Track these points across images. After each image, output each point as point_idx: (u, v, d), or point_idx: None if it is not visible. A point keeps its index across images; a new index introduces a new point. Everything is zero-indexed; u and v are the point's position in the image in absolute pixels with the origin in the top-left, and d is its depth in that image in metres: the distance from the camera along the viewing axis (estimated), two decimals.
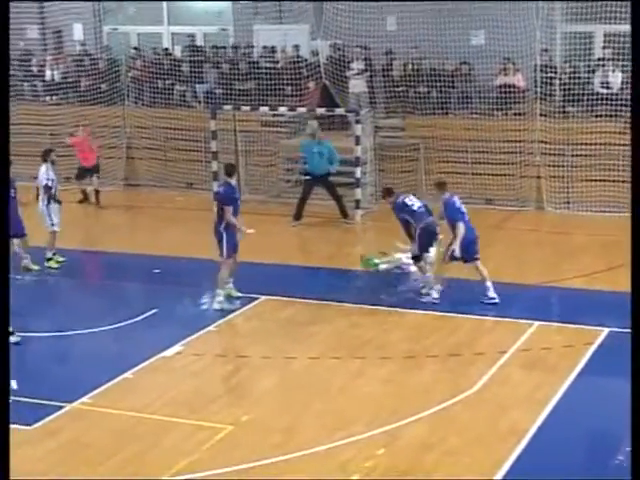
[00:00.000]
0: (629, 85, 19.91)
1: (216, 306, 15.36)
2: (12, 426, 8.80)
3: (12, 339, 13.28)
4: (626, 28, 18.99)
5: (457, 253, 14.86)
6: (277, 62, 24.73)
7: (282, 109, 23.05)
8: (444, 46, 22.57)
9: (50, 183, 17.35)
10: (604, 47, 21.84)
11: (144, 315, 14.99)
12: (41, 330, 13.85)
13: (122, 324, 14.61)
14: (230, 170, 15.61)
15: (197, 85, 24.99)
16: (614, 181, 20.97)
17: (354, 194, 21.59)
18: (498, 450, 10.50)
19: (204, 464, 10.27)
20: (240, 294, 15.72)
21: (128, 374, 12.64)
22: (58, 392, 12.15)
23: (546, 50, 22.13)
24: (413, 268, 16.32)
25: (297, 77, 23.80)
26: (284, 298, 15.84)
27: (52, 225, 17.31)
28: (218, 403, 12.00)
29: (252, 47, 25.36)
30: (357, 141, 21.50)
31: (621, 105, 20.94)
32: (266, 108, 23.09)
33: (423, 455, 10.47)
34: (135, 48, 26.52)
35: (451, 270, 16.28)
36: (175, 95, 25.05)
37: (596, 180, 21.23)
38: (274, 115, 23.85)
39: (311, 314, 15.20)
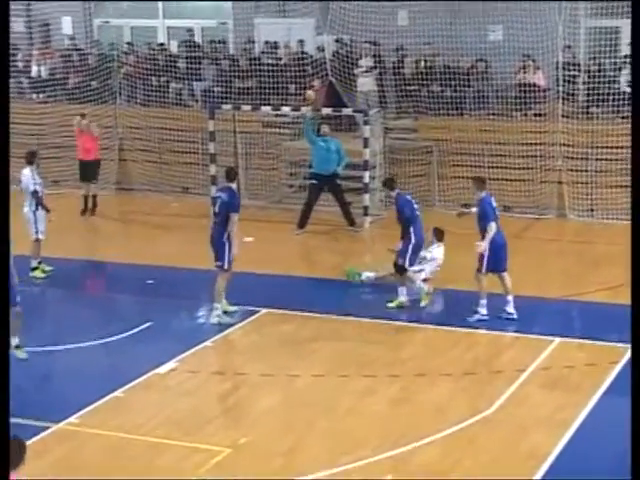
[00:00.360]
0: None
1: (213, 320, 15.35)
2: None
3: (20, 354, 13.30)
4: None
5: (481, 249, 14.88)
6: (280, 58, 24.77)
7: (285, 109, 23.06)
8: (459, 42, 22.60)
9: (37, 188, 17.37)
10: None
11: (136, 329, 14.98)
12: (25, 345, 13.82)
13: (113, 338, 14.60)
14: (232, 174, 15.65)
15: (194, 83, 25.04)
16: None
17: (362, 200, 21.59)
18: (517, 475, 10.46)
19: None
20: (235, 308, 15.70)
21: (119, 392, 12.63)
22: (44, 411, 12.13)
23: (569, 46, 22.14)
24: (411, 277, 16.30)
25: (301, 75, 23.82)
26: (286, 311, 15.82)
27: (37, 233, 17.32)
28: (215, 424, 11.98)
29: (253, 42, 25.39)
30: (365, 143, 21.50)
31: None
32: (268, 108, 23.11)
33: None
34: (128, 43, 26.58)
35: (464, 281, 16.29)
36: (171, 93, 25.08)
37: (622, 186, 21.19)
38: (276, 115, 23.88)
39: (315, 328, 15.18)
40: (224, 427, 11.95)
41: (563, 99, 21.86)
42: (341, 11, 23.03)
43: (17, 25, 27.17)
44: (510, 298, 15.27)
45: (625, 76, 21.59)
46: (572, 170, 21.81)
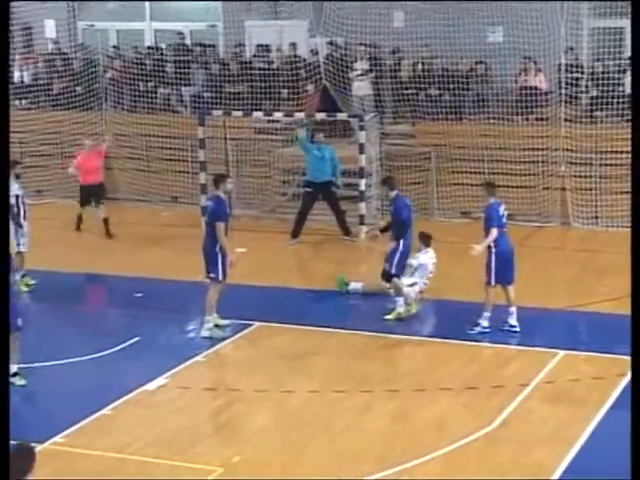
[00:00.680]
0: None
1: (205, 334, 15.37)
2: None
3: (18, 382, 13.26)
4: None
5: (477, 252, 14.93)
6: (272, 62, 24.83)
7: (278, 114, 23.11)
8: (458, 44, 22.67)
9: (14, 200, 17.40)
10: None
11: (124, 344, 14.98)
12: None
13: (100, 354, 14.60)
14: (219, 182, 15.65)
15: (183, 88, 25.07)
16: None
17: (358, 208, 21.62)
18: None
19: None
20: (227, 321, 15.72)
21: (106, 410, 12.63)
22: (27, 431, 12.09)
23: (572, 48, 22.21)
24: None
25: (294, 79, 23.87)
26: (280, 324, 15.85)
27: (18, 245, 17.32)
28: (206, 442, 11.98)
29: (244, 45, 25.45)
30: (361, 149, 21.55)
31: None
32: (260, 113, 23.15)
33: None
34: (114, 46, 26.61)
35: (464, 292, 16.34)
36: (159, 99, 25.12)
37: (627, 192, 21.20)
38: (269, 121, 23.92)
39: (310, 342, 15.20)
40: (216, 445, 11.95)
41: (566, 102, 21.93)
42: (335, 12, 23.09)
43: None
44: (513, 310, 15.32)
45: (630, 78, 21.66)
46: (576, 176, 21.87)
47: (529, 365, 14.11)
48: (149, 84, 25.05)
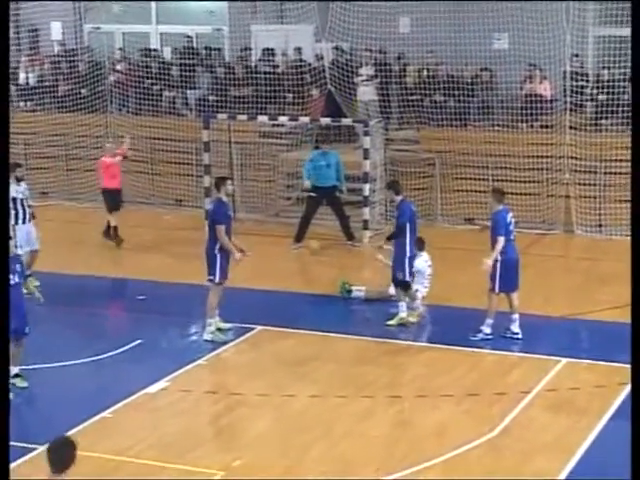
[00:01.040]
0: None
1: (207, 337, 15.36)
2: None
3: (20, 383, 13.28)
4: None
5: (488, 266, 14.91)
6: (277, 66, 24.83)
7: (282, 119, 23.12)
8: (463, 50, 22.68)
9: (10, 203, 17.42)
10: None
11: (126, 347, 14.98)
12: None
13: (101, 357, 14.60)
14: (220, 185, 15.66)
15: (188, 91, 25.09)
16: None
17: (362, 214, 21.62)
18: None
19: None
20: (229, 325, 15.71)
21: (107, 413, 12.62)
22: (28, 433, 12.11)
23: (577, 55, 22.21)
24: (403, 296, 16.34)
25: (299, 83, 23.88)
26: (283, 329, 15.84)
27: (15, 247, 17.27)
28: (207, 446, 11.97)
29: (250, 49, 25.45)
30: (366, 155, 21.54)
31: None
32: (265, 117, 23.16)
33: None
34: (120, 49, 26.62)
35: (467, 299, 16.32)
36: (164, 102, 25.13)
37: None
38: (273, 125, 23.93)
39: (313, 347, 15.19)
40: (217, 449, 11.95)
41: (571, 110, 21.93)
42: (341, 17, 23.09)
43: None
44: (516, 317, 15.30)
45: None
46: (580, 184, 21.86)
47: (531, 372, 14.09)
48: (154, 87, 25.06)
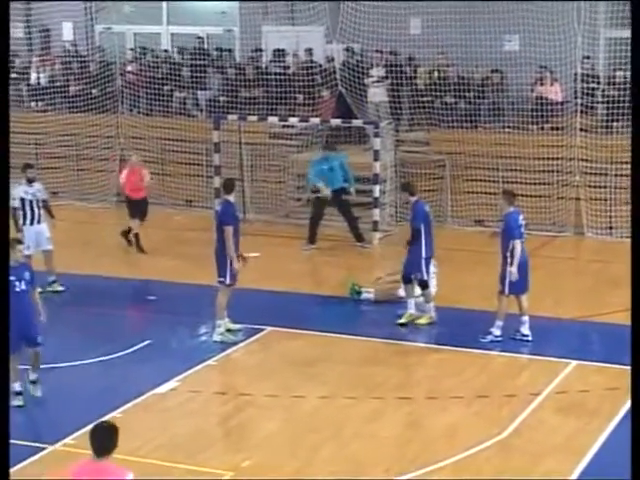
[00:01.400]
0: None
1: (216, 338, 15.36)
2: None
3: (34, 392, 13.15)
4: None
5: (514, 277, 14.88)
6: (288, 67, 24.84)
7: (293, 120, 23.13)
8: (474, 52, 22.65)
9: (18, 203, 17.42)
10: None
11: (136, 347, 14.98)
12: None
13: (111, 357, 14.61)
14: (229, 186, 15.67)
15: (199, 92, 25.10)
16: None
17: (372, 215, 21.61)
18: None
19: None
20: (239, 326, 15.71)
21: (117, 413, 12.61)
22: (38, 432, 12.15)
23: (588, 57, 22.17)
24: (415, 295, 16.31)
25: (310, 84, 23.88)
26: (292, 330, 15.83)
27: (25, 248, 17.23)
28: (217, 446, 11.97)
29: (260, 50, 25.46)
30: (376, 156, 21.53)
31: None
32: (275, 118, 23.16)
33: None
34: (131, 49, 26.65)
35: (476, 300, 16.29)
36: (174, 102, 25.15)
37: None
38: (284, 126, 23.93)
39: (322, 348, 15.18)
40: (226, 450, 11.94)
41: (581, 112, 21.89)
42: (351, 19, 23.08)
43: (16, 31, 27.27)
44: (525, 319, 15.27)
45: None
46: (590, 186, 21.81)
47: (541, 375, 14.06)
48: (165, 87, 25.08)
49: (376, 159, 21.52)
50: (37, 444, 11.78)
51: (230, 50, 25.80)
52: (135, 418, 12.62)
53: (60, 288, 17.50)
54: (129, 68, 25.67)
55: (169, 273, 18.87)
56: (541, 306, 16.23)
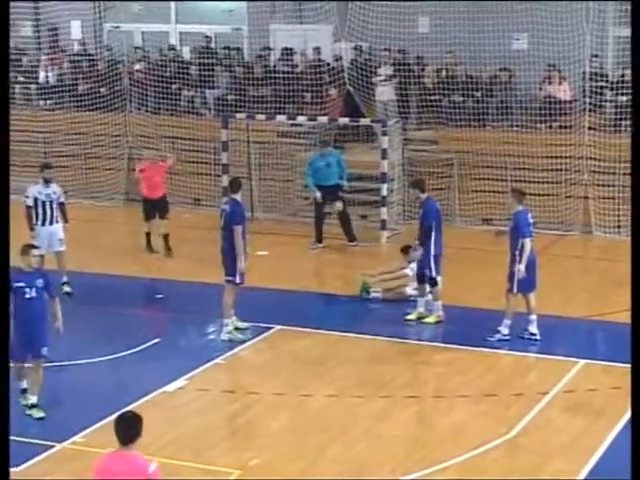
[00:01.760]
0: None
1: (224, 336, 15.40)
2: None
3: (37, 414, 12.78)
4: None
5: (522, 275, 14.89)
6: (296, 66, 24.84)
7: (301, 118, 23.14)
8: (482, 51, 22.62)
9: (30, 202, 17.44)
10: None
11: (144, 345, 15.02)
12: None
13: (119, 355, 14.64)
14: (236, 185, 15.71)
15: (207, 90, 25.12)
16: None
17: (379, 214, 21.62)
18: None
19: None
20: (246, 324, 15.74)
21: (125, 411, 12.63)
22: (47, 430, 12.18)
23: (596, 56, 22.14)
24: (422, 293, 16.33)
25: (318, 83, 23.88)
26: (300, 328, 15.85)
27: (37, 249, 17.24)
28: (225, 445, 12.01)
29: (268, 49, 25.47)
30: (384, 155, 21.54)
31: None
32: (283, 117, 23.18)
33: None
34: (139, 48, 26.68)
35: (484, 299, 16.30)
36: (182, 101, 25.17)
37: None
38: (292, 125, 23.93)
39: (330, 346, 15.20)
40: (234, 448, 11.97)
41: (590, 111, 21.87)
42: (360, 17, 23.08)
43: (24, 29, 27.35)
44: (533, 317, 15.28)
45: None
46: (599, 185, 21.79)
47: (549, 374, 14.07)
48: (173, 86, 25.10)
49: (384, 158, 21.53)
50: (46, 442, 11.83)
51: (238, 49, 25.79)
52: (144, 416, 12.58)
53: (68, 290, 17.51)
54: (137, 67, 25.69)
55: (177, 271, 18.91)
56: (549, 305, 16.23)
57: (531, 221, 15.40)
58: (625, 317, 16.18)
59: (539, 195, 21.81)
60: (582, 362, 14.37)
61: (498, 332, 15.22)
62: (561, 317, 16.28)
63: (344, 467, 11.31)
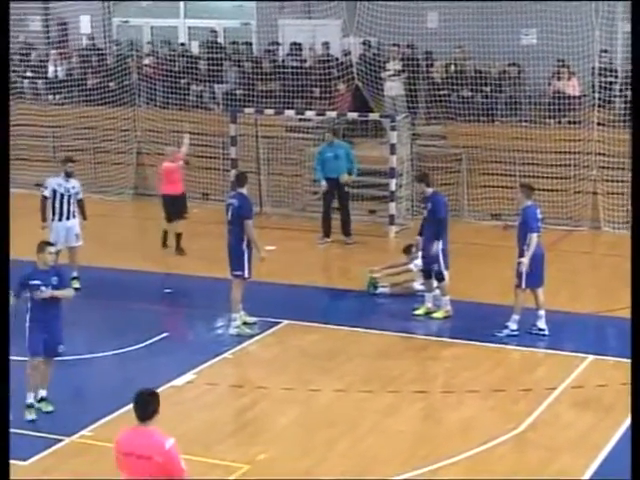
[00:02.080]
0: None
1: (232, 331, 15.40)
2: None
3: (45, 407, 12.65)
4: None
5: (524, 267, 14.85)
6: (304, 61, 24.82)
7: (309, 113, 23.12)
8: (491, 46, 22.57)
9: (48, 193, 17.43)
10: None
11: (153, 339, 15.03)
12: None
13: (128, 349, 14.65)
14: (242, 179, 15.72)
15: (216, 85, 25.11)
16: None
17: (388, 209, 21.59)
18: None
19: None
20: (254, 319, 15.73)
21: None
22: (56, 424, 12.18)
23: (606, 51, 22.09)
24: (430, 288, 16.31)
25: (326, 78, 23.85)
26: (308, 323, 15.85)
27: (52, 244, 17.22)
28: (233, 439, 12.00)
29: (277, 44, 25.46)
30: (392, 150, 21.50)
31: None
32: (292, 112, 23.16)
33: None
34: (148, 43, 26.68)
35: (492, 294, 16.28)
36: (191, 96, 25.16)
37: None
38: (300, 120, 23.91)
39: (338, 341, 15.19)
40: (242, 443, 11.96)
41: (599, 106, 21.81)
42: (368, 12, 23.05)
43: (34, 24, 27.37)
44: (542, 313, 15.25)
45: None
46: (607, 180, 21.74)
47: (557, 369, 14.04)
48: (182, 81, 25.10)
49: (392, 153, 21.50)
50: (54, 436, 11.83)
51: (248, 43, 25.76)
52: None
53: (77, 285, 17.50)
54: (146, 61, 25.70)
55: (186, 266, 18.91)
56: (557, 300, 16.20)
57: (540, 216, 15.36)
58: None
59: (548, 190, 21.77)
60: (591, 358, 14.35)
61: (506, 327, 15.19)
62: (570, 313, 16.24)
63: (352, 462, 11.30)
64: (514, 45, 22.65)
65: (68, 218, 17.50)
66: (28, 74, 26.85)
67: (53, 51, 26.97)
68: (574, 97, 22.30)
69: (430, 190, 16.34)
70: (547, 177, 21.94)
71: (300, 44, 25.09)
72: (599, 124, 21.72)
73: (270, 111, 22.96)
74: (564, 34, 21.88)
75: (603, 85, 21.84)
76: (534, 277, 15.09)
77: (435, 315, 16.04)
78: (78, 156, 25.08)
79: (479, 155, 22.61)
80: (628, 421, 12.25)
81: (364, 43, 23.96)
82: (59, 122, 25.69)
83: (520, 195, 15.69)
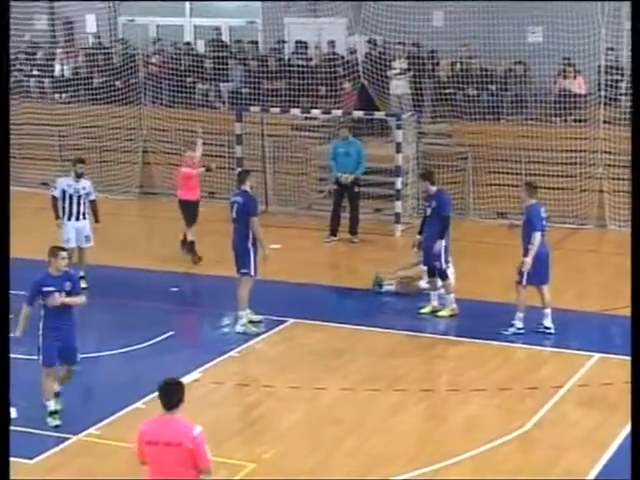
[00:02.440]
0: None
1: (239, 329, 15.40)
2: (10, 459, 8.86)
3: (52, 422, 12.36)
4: None
5: (526, 267, 14.84)
6: (310, 59, 24.82)
7: (315, 112, 23.12)
8: (497, 44, 22.55)
9: (57, 194, 17.43)
10: None
11: (158, 338, 15.04)
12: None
13: (133, 348, 14.67)
14: (244, 177, 15.72)
15: (221, 84, 25.12)
16: None
17: (394, 207, 21.58)
18: None
19: None
20: (260, 317, 15.74)
21: (140, 403, 12.67)
22: (63, 422, 12.19)
23: (612, 49, 22.06)
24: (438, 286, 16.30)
25: (332, 76, 23.85)
26: (314, 322, 15.85)
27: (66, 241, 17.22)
28: (239, 438, 12.01)
29: (283, 42, 25.46)
30: (398, 148, 21.50)
31: None
32: (297, 110, 23.16)
33: None
34: (154, 42, 26.69)
35: (498, 293, 16.27)
36: (197, 94, 25.17)
37: None
38: (306, 118, 23.91)
39: (344, 340, 15.19)
40: (248, 441, 11.97)
41: (605, 104, 21.78)
42: (374, 11, 23.05)
43: (40, 23, 27.39)
44: (548, 311, 15.23)
45: None
46: (613, 178, 21.72)
47: (563, 367, 14.03)
48: (188, 79, 25.10)
49: (398, 151, 21.49)
50: (61, 434, 11.85)
51: (254, 42, 25.76)
52: (158, 409, 12.57)
53: (84, 285, 17.49)
54: (152, 60, 25.71)
55: (191, 264, 18.90)
56: (563, 299, 16.19)
57: (544, 215, 15.34)
58: None
59: (554, 189, 21.76)
60: (597, 356, 14.34)
61: (512, 325, 15.18)
62: (576, 311, 16.23)
63: (358, 460, 11.31)
64: (520, 43, 22.62)
65: (78, 219, 17.47)
66: (34, 73, 26.87)
67: (59, 50, 26.98)
68: (580, 95, 22.28)
69: (434, 188, 16.33)
70: (553, 175, 21.91)
71: (306, 43, 25.09)
72: (605, 122, 21.70)
73: (276, 109, 22.96)
74: (570, 32, 21.85)
75: (609, 83, 21.82)
76: (537, 274, 15.06)
77: (441, 313, 16.04)
78: (84, 155, 25.13)
79: (485, 153, 22.60)
80: None
81: (370, 42, 23.95)
82: (65, 121, 25.70)
83: (523, 194, 15.68)
